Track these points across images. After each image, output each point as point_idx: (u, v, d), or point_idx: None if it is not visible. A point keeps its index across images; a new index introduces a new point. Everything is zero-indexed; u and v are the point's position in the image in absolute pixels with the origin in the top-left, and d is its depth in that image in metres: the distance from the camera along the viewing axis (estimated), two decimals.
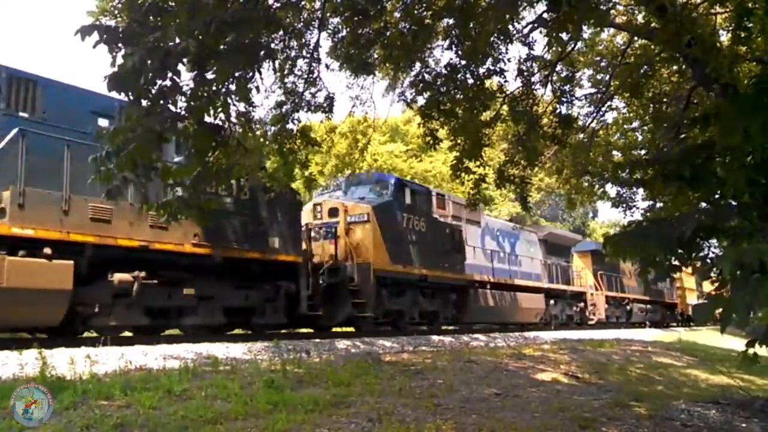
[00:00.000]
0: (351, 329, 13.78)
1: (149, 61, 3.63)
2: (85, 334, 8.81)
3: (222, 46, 3.98)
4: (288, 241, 11.31)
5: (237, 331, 12.33)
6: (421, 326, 14.91)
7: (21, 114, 7.86)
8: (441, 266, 14.97)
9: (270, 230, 10.96)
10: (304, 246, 12.01)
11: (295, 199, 12.07)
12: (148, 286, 8.82)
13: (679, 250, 3.67)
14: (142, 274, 8.72)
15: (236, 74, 4.36)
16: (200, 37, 3.74)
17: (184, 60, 3.80)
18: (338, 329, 13.89)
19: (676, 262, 4.22)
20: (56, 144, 7.93)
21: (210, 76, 4.08)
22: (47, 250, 7.50)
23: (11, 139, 7.46)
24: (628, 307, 27.34)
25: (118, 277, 8.51)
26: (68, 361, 5.71)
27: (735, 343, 14.72)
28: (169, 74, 3.84)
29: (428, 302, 14.69)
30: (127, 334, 9.48)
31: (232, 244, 10.13)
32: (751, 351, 3.29)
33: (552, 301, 20.98)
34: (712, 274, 3.80)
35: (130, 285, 8.59)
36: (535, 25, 7.76)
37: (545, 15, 4.03)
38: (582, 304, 23.57)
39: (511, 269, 18.92)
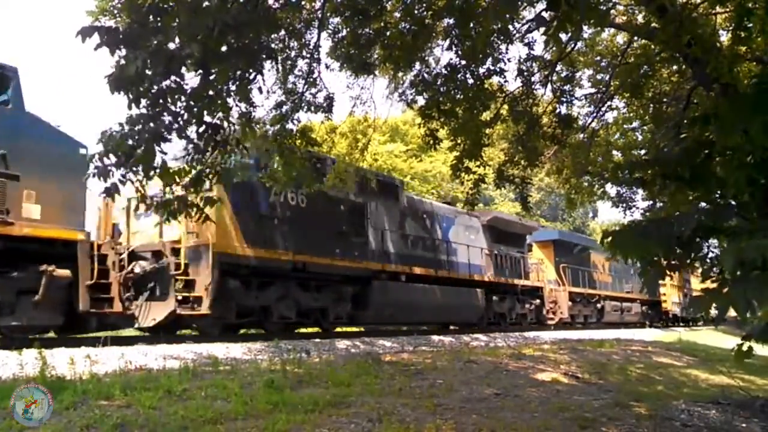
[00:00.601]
0: (316, 329, 12.78)
1: (153, 66, 3.64)
2: (85, 334, 8.80)
3: (223, 47, 3.99)
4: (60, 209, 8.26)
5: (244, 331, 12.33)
6: (300, 327, 12.64)
7: None
8: (329, 252, 12.04)
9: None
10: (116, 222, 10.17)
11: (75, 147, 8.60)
12: None
13: (679, 250, 3.67)
14: None
15: (237, 75, 4.37)
16: (202, 39, 3.74)
17: (187, 62, 3.80)
18: (340, 329, 13.85)
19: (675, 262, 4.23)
20: None
21: (212, 77, 4.08)
22: None
23: None
24: (599, 305, 24.45)
25: None
26: (68, 361, 5.71)
27: (734, 343, 14.71)
28: (173, 77, 3.84)
29: (311, 297, 11.84)
30: (127, 333, 9.45)
31: None
32: (745, 346, 3.30)
33: (496, 298, 17.90)
34: (712, 273, 3.80)
35: None
36: (534, 24, 7.75)
37: (544, 14, 4.02)
38: (538, 301, 20.36)
39: (439, 258, 15.64)
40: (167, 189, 4.80)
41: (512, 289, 18.81)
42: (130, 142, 3.88)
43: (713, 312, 3.19)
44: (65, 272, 8.09)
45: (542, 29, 3.49)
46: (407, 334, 14.19)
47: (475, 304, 16.59)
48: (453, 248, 16.33)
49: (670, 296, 30.60)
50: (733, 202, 3.78)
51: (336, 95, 10.21)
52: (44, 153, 8.07)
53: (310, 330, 12.90)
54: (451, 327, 17.05)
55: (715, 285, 3.33)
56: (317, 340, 10.62)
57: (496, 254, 18.34)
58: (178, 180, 4.58)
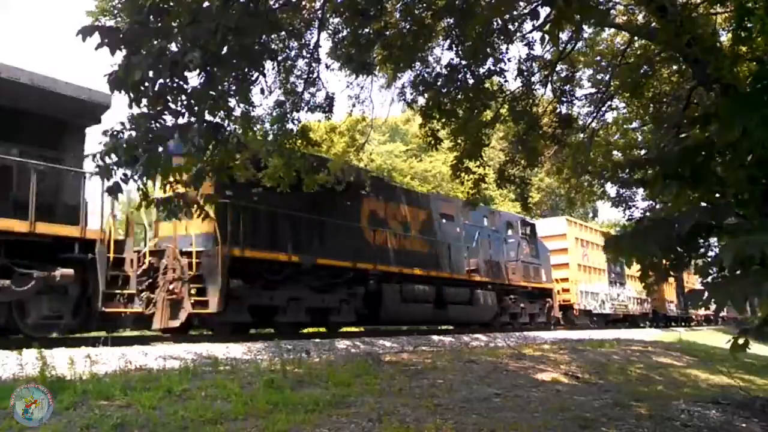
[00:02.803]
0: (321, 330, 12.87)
1: (156, 71, 3.64)
2: (85, 334, 8.80)
3: (225, 49, 3.99)
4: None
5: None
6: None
7: None
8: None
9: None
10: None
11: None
12: None
13: (679, 249, 3.67)
14: None
15: (239, 76, 4.37)
16: (204, 43, 3.74)
17: (191, 65, 3.80)
18: (346, 329, 13.88)
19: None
20: None
21: (214, 78, 4.08)
22: None
23: None
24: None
25: None
26: (68, 361, 5.70)
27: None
28: (176, 80, 3.85)
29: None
30: (126, 333, 9.43)
31: None
32: (741, 340, 3.30)
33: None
34: (711, 271, 3.80)
35: None
36: (529, 18, 7.76)
37: (540, 10, 4.02)
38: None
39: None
40: (168, 187, 4.81)
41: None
42: (134, 142, 3.88)
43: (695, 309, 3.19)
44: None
45: (539, 25, 3.49)
46: (407, 334, 14.21)
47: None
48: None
49: (577, 285, 23.81)
50: (733, 201, 3.78)
51: (335, 94, 10.20)
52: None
53: (311, 330, 12.92)
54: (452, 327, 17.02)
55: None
56: (317, 340, 10.62)
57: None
58: (178, 178, 4.58)
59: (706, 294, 3.04)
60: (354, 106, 11.21)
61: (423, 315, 14.56)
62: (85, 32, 3.51)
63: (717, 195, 3.91)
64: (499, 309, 17.51)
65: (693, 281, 27.98)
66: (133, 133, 3.90)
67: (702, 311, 36.10)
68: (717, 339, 18.89)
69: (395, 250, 14.01)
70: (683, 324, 33.57)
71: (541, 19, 4.77)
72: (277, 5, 6.57)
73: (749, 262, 2.72)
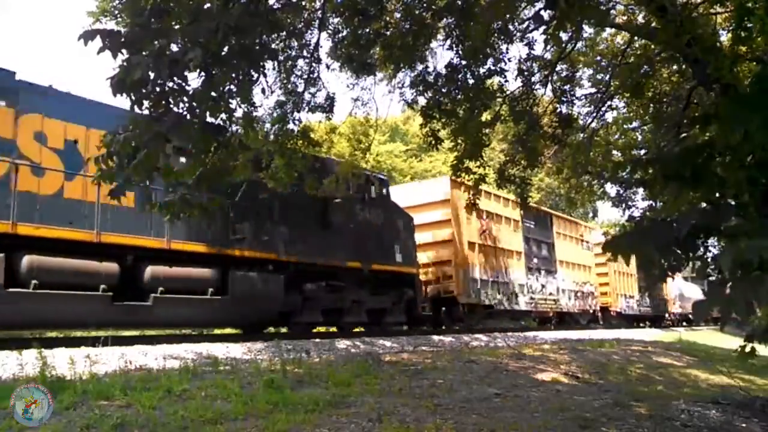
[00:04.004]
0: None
1: (157, 70, 3.64)
2: (84, 334, 8.80)
3: (225, 49, 3.99)
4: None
5: (234, 331, 12.36)
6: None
7: None
8: None
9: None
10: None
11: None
12: None
13: (677, 251, 3.67)
14: None
15: (239, 76, 4.38)
16: (204, 43, 3.75)
17: (191, 65, 3.80)
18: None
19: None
20: None
21: (215, 79, 4.08)
22: None
23: None
24: None
25: None
26: (68, 361, 5.70)
27: (735, 343, 14.72)
28: (176, 80, 3.85)
29: None
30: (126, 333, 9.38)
31: None
32: (748, 347, 3.30)
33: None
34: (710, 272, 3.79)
35: None
36: (532, 22, 7.77)
37: (543, 13, 4.03)
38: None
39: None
40: (169, 189, 4.80)
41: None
42: (134, 143, 3.88)
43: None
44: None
45: (542, 29, 3.49)
46: (407, 334, 14.21)
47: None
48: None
49: (465, 270, 16.98)
50: (733, 202, 3.77)
51: (336, 95, 10.20)
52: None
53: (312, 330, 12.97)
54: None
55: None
56: (317, 340, 10.62)
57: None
58: (180, 180, 4.58)
59: (709, 303, 3.04)
60: (356, 107, 11.21)
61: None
62: (87, 36, 3.51)
63: (717, 196, 3.91)
64: (300, 301, 11.31)
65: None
66: (130, 134, 3.90)
67: (678, 309, 32.90)
68: (717, 339, 18.90)
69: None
70: (641, 325, 28.16)
71: (543, 21, 4.77)
72: (277, 5, 6.57)
73: (749, 266, 2.72)
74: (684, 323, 32.60)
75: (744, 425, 5.54)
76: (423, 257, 15.62)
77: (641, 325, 28.43)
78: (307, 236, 11.53)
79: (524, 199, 11.85)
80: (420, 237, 15.41)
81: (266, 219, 10.86)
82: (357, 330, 13.36)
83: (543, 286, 20.30)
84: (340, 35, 9.40)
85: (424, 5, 8.80)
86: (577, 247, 23.60)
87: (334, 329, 13.31)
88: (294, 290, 11.18)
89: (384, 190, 14.10)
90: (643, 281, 27.74)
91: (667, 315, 32.53)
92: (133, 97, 3.71)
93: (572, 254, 22.95)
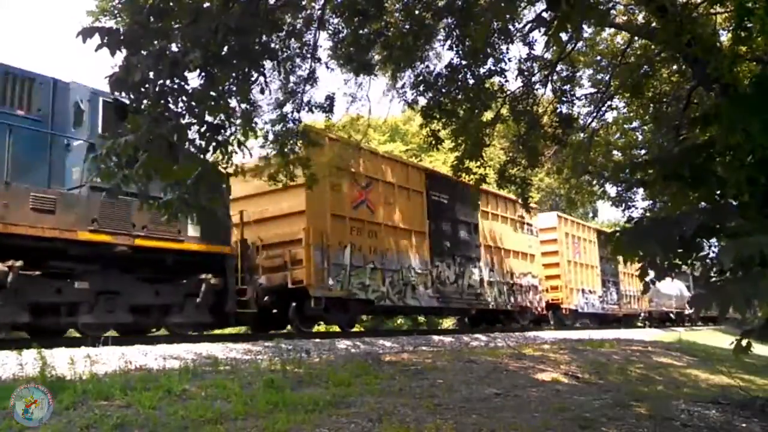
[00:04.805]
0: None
1: (156, 71, 3.64)
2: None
3: (225, 49, 4.00)
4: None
5: (236, 330, 12.33)
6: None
7: None
8: None
9: None
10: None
11: None
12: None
13: (680, 250, 3.67)
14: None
15: (240, 76, 4.38)
16: (204, 43, 3.75)
17: (191, 66, 3.80)
18: (340, 329, 13.88)
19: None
20: None
21: (214, 78, 4.09)
22: None
23: None
24: None
25: None
26: (68, 361, 5.70)
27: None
28: (176, 80, 3.85)
29: None
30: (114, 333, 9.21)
31: None
32: (744, 341, 3.31)
33: None
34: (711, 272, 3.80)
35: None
36: (535, 24, 7.78)
37: (544, 14, 4.04)
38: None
39: None
40: (168, 188, 4.81)
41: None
42: (133, 142, 3.88)
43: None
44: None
45: (542, 29, 3.49)
46: (407, 333, 14.21)
47: None
48: None
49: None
50: (734, 203, 3.78)
51: (335, 94, 10.18)
52: None
53: (312, 330, 12.94)
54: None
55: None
56: (317, 340, 10.63)
57: None
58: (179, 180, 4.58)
59: (709, 297, 3.05)
60: (351, 104, 11.19)
61: None
62: (86, 34, 3.51)
63: (717, 196, 3.91)
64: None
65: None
66: (132, 135, 3.90)
67: (638, 306, 28.23)
68: (717, 339, 18.91)
69: None
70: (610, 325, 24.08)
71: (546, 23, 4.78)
72: (278, 4, 6.58)
73: (749, 263, 2.73)
74: (661, 323, 29.14)
75: (744, 425, 5.53)
76: (265, 235, 11.73)
77: (615, 324, 24.44)
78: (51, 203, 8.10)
79: (525, 200, 11.85)
80: (257, 207, 11.77)
81: None
82: (319, 330, 12.14)
83: (458, 276, 15.74)
84: (340, 35, 9.41)
85: (424, 5, 8.81)
86: (514, 230, 18.67)
87: (337, 329, 12.50)
88: None
89: None
90: (608, 275, 25.03)
91: (640, 314, 28.74)
92: (132, 97, 3.71)
93: (507, 239, 18.20)
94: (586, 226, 25.60)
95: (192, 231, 9.77)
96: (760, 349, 3.49)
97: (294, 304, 11.76)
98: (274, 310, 12.13)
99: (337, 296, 11.96)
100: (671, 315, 30.75)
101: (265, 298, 11.41)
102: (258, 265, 11.47)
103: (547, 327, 20.10)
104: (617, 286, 26.34)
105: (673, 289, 28.19)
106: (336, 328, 13.34)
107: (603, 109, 13.25)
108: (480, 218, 16.99)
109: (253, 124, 5.80)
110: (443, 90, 9.27)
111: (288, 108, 9.22)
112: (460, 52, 8.89)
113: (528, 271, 19.23)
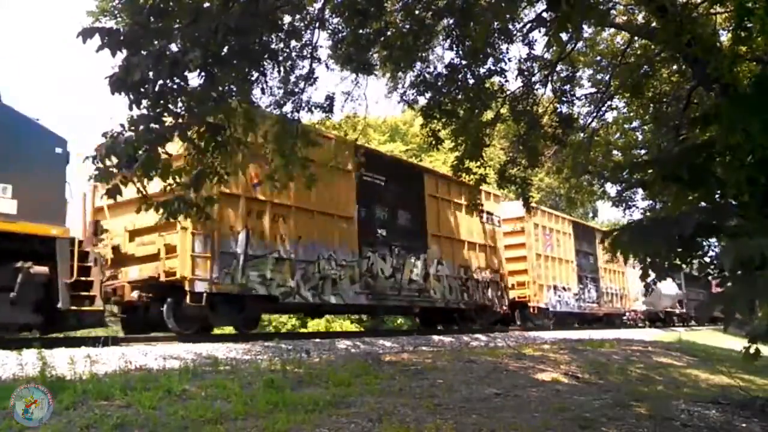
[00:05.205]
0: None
1: (156, 71, 3.64)
2: (85, 334, 8.80)
3: (225, 49, 4.00)
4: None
5: (234, 331, 12.31)
6: None
7: None
8: None
9: None
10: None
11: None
12: None
13: (680, 249, 3.67)
14: None
15: (240, 76, 4.38)
16: (204, 43, 3.75)
17: (190, 65, 3.80)
18: (340, 329, 13.88)
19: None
20: None
21: (215, 79, 4.09)
22: None
23: None
24: None
25: None
26: (68, 361, 5.71)
27: (735, 343, 14.74)
28: (176, 80, 3.85)
29: None
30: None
31: None
32: (752, 348, 3.30)
33: None
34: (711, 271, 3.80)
35: None
36: (535, 24, 7.79)
37: (545, 15, 4.05)
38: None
39: None
40: (167, 188, 4.81)
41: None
42: (133, 142, 3.89)
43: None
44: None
45: (543, 29, 3.50)
46: (407, 333, 14.21)
47: None
48: None
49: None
50: (734, 202, 3.78)
51: (335, 94, 10.16)
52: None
53: (310, 330, 12.93)
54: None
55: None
56: (317, 340, 10.64)
57: None
58: (178, 179, 4.58)
59: (712, 303, 3.04)
60: (347, 101, 11.15)
61: None
62: (86, 34, 3.51)
63: (717, 196, 3.91)
64: None
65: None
66: (132, 135, 3.90)
67: (620, 305, 25.99)
68: (717, 339, 18.91)
69: None
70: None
71: (546, 23, 4.78)
72: (278, 4, 6.58)
73: (750, 264, 2.72)
74: (649, 323, 27.16)
75: (744, 425, 5.53)
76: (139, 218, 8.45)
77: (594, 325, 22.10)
78: None
79: (525, 200, 11.86)
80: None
81: None
82: (318, 330, 11.73)
83: (396, 269, 13.54)
84: (340, 35, 9.42)
85: (424, 5, 8.81)
86: (471, 219, 15.98)
87: (337, 329, 12.49)
88: None
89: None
90: (585, 271, 22.75)
91: (625, 314, 26.44)
92: (132, 97, 3.71)
93: (461, 229, 16.02)
94: (561, 217, 21.87)
95: (4, 206, 7.31)
96: (761, 349, 3.47)
97: (169, 300, 9.71)
98: (151, 309, 9.97)
99: (226, 292, 9.96)
100: (660, 315, 28.73)
101: (133, 294, 9.63)
102: (128, 254, 9.88)
103: (512, 327, 17.98)
104: (596, 283, 23.78)
105: (664, 287, 25.73)
106: (336, 328, 13.33)
107: (603, 109, 13.28)
108: (427, 204, 14.71)
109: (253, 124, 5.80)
110: (443, 90, 9.27)
111: (288, 108, 9.22)
112: (460, 52, 8.89)
113: (488, 265, 16.84)
